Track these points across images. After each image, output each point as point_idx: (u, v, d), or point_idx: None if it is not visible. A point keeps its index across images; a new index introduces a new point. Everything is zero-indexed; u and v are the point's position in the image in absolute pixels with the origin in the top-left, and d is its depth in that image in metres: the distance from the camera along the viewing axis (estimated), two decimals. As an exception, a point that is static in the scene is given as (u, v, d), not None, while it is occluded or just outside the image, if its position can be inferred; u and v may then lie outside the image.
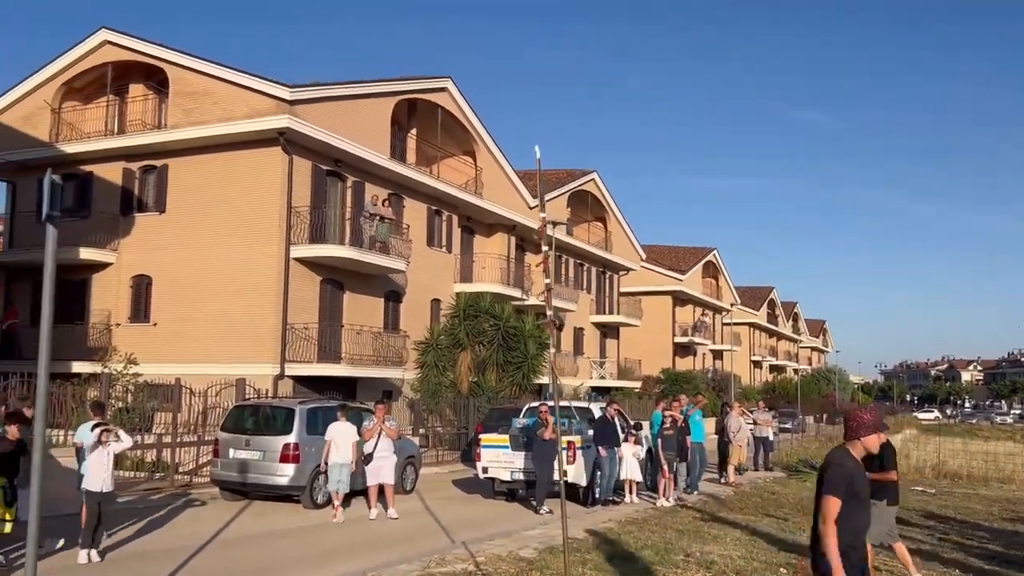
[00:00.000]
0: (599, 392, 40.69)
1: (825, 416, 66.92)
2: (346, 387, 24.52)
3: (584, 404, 17.64)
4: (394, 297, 27.72)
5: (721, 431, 20.01)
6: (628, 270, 46.59)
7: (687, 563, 9.48)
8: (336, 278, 24.99)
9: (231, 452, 14.16)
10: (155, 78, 25.30)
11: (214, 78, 23.41)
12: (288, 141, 23.03)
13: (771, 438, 24.13)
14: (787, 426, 47.09)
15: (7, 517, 9.17)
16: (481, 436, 15.99)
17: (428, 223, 29.59)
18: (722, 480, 19.43)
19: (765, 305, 76.93)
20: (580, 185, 40.06)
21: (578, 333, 41.06)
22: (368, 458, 13.77)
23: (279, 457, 13.80)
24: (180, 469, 16.78)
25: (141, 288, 24.79)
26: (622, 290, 47.15)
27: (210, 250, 23.58)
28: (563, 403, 18.56)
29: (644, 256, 48.36)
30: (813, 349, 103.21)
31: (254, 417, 14.85)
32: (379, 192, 26.59)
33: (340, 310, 25.28)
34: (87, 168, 25.60)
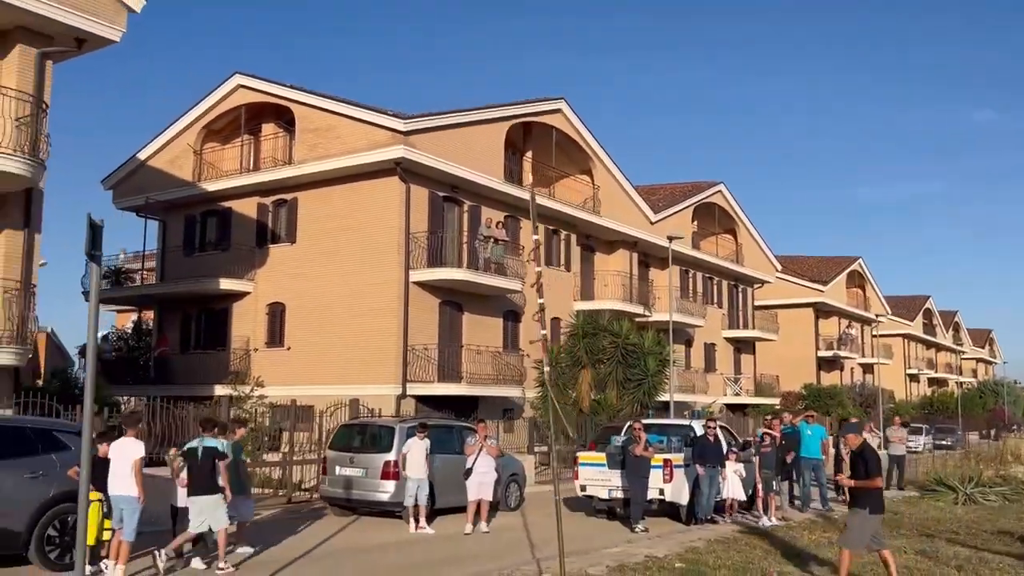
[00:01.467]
0: (733, 409, 39.80)
1: (993, 432, 62.38)
2: (467, 406, 25.12)
3: (685, 422, 17.39)
4: (512, 317, 28.21)
5: (837, 448, 19.19)
6: (762, 283, 45.31)
7: (761, 583, 9.28)
8: (454, 300, 25.72)
9: (337, 469, 14.91)
10: (284, 117, 26.95)
11: (335, 114, 24.76)
12: (404, 170, 24.01)
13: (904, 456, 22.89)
14: (945, 442, 44.36)
15: (106, 526, 10.05)
16: (579, 454, 16.09)
17: (546, 243, 29.94)
18: (840, 498, 18.62)
19: (920, 315, 72.70)
20: (706, 197, 39.41)
21: (709, 349, 40.27)
22: (468, 473, 14.20)
23: (380, 474, 14.41)
24: (303, 486, 17.74)
25: (276, 315, 26.34)
26: (757, 303, 45.89)
27: (336, 277, 24.82)
28: (661, 421, 18.43)
29: (779, 267, 46.89)
30: (978, 360, 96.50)
31: (360, 436, 15.57)
32: (496, 215, 27.20)
33: (459, 331, 25.98)
34: (226, 204, 27.55)
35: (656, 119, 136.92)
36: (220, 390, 24.62)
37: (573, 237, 31.50)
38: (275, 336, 26.22)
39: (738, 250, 42.61)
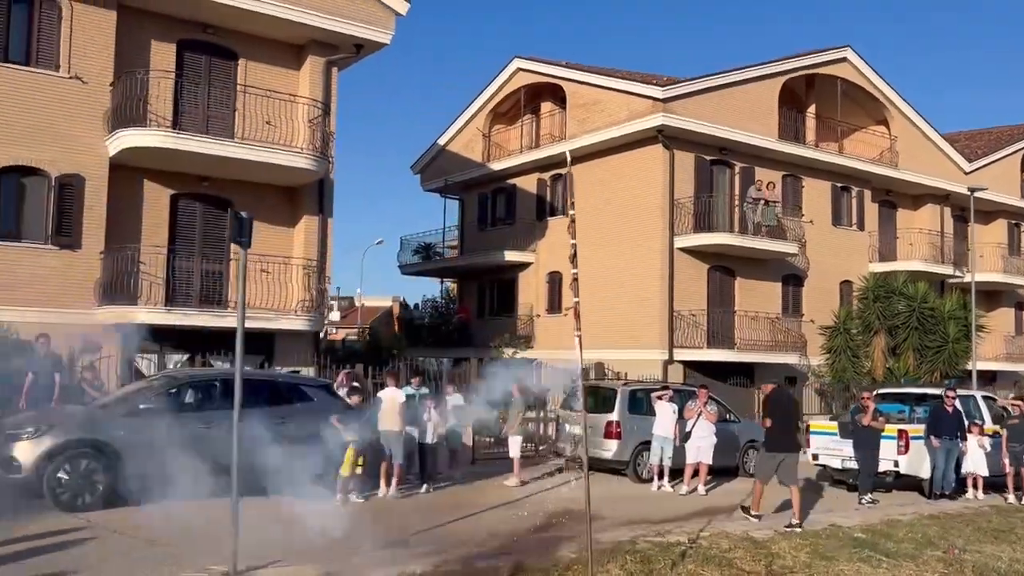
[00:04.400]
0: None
1: None
2: (742, 373, 24.88)
3: (936, 391, 15.91)
4: (793, 281, 27.13)
5: None
6: None
7: (931, 559, 8.68)
8: (724, 264, 25.38)
9: (567, 427, 15.89)
10: (558, 95, 28.23)
11: (598, 87, 25.55)
12: (667, 137, 24.12)
13: None
14: None
15: (360, 463, 11.97)
16: (811, 422, 15.52)
17: (833, 201, 28.29)
18: None
19: None
20: (1039, 141, 34.40)
21: (1038, 310, 35.32)
22: (687, 436, 14.50)
23: (604, 433, 15.14)
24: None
25: (554, 283, 27.85)
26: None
27: (605, 246, 25.63)
28: (908, 390, 16.98)
29: None
30: None
31: (590, 397, 16.33)
32: (772, 175, 26.29)
33: (731, 296, 25.61)
34: (511, 181, 29.55)
35: (973, 54, 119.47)
36: (507, 352, 26.82)
37: (867, 194, 29.33)
38: (554, 303, 27.75)
39: (1089, 198, 36.62)
